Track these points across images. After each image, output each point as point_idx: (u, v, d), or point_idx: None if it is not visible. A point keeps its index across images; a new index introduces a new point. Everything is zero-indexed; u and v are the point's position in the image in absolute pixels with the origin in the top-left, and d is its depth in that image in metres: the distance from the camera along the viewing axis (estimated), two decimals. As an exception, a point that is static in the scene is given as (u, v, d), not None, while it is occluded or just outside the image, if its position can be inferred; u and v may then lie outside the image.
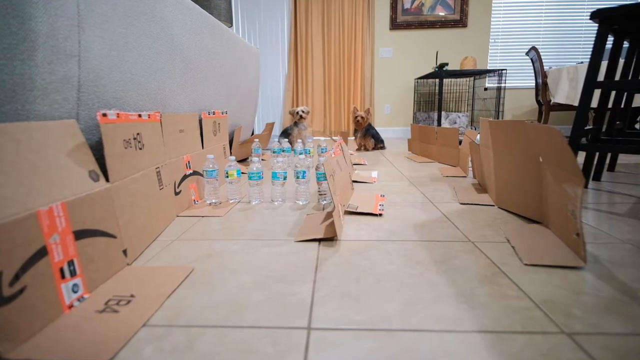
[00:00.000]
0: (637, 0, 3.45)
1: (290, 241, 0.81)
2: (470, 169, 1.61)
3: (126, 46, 0.85)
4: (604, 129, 1.42)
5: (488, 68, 3.49)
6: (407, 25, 3.55)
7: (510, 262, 0.68)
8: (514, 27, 3.58)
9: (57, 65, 0.65)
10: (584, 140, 1.32)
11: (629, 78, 1.39)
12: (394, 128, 3.80)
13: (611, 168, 1.64)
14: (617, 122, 1.49)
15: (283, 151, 1.87)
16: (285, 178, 1.13)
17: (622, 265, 0.66)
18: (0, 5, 0.58)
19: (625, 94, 1.50)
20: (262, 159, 2.10)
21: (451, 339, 0.46)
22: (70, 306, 0.52)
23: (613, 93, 1.44)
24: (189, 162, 1.11)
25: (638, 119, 2.79)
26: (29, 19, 0.60)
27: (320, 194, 1.12)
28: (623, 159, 1.99)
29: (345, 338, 0.47)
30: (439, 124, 2.97)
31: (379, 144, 2.62)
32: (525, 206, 0.94)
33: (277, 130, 3.89)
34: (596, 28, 1.16)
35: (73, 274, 0.54)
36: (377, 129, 3.83)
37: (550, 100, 2.90)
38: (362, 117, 2.53)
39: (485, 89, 3.43)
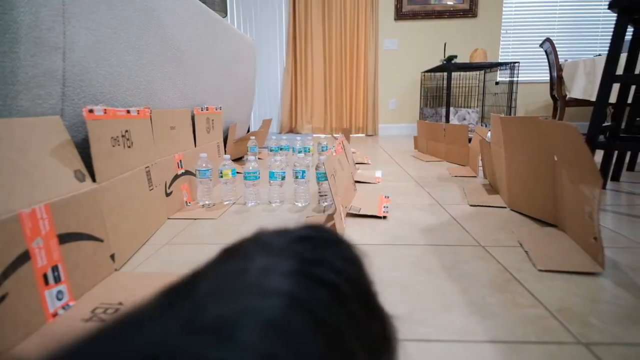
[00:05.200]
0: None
1: (288, 245, 0.81)
2: (481, 168, 1.61)
3: (114, 38, 0.85)
4: (623, 126, 1.42)
5: (499, 61, 3.49)
6: (414, 15, 3.55)
7: (523, 268, 0.68)
8: (527, 17, 3.58)
9: (40, 58, 0.65)
10: (601, 137, 1.31)
11: (650, 71, 1.39)
12: (399, 125, 3.80)
13: (631, 167, 1.64)
14: (638, 119, 1.49)
15: (281, 149, 1.88)
16: (283, 178, 1.13)
17: (642, 272, 0.66)
18: (-20, -6, 0.58)
19: (646, 88, 1.50)
20: (259, 158, 2.10)
21: (461, 350, 0.46)
22: (55, 314, 0.52)
23: (633, 87, 1.44)
24: (180, 161, 1.11)
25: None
26: (10, 9, 0.60)
27: (320, 195, 1.12)
28: (643, 157, 1.99)
29: (348, 349, 0.46)
30: (447, 120, 2.97)
31: None
32: (540, 208, 0.94)
33: (274, 128, 3.90)
34: (615, 18, 1.16)
35: (57, 280, 0.54)
36: (381, 125, 3.85)
37: (566, 95, 2.90)
38: None
39: (497, 83, 3.43)
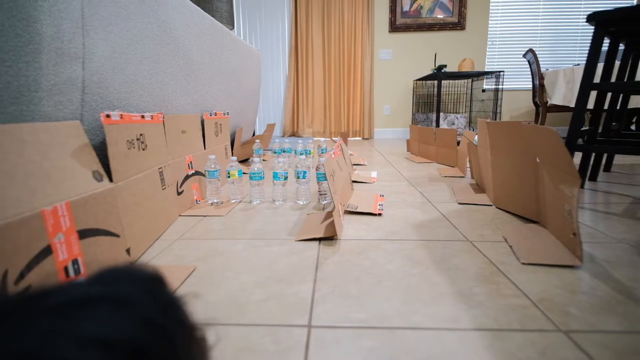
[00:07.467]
0: (633, 2, 3.45)
1: (291, 241, 0.81)
2: (469, 169, 1.61)
3: (129, 48, 0.85)
4: (600, 130, 1.42)
5: (486, 70, 3.49)
6: (406, 28, 3.55)
7: (508, 261, 0.68)
8: (511, 30, 3.58)
9: (61, 67, 0.64)
10: (580, 141, 1.31)
11: (625, 80, 1.39)
12: (393, 129, 3.79)
13: (607, 168, 1.64)
14: (613, 123, 1.49)
15: (284, 151, 1.88)
16: (286, 178, 1.13)
17: (618, 265, 0.66)
18: (6, 7, 0.58)
19: (621, 95, 1.50)
20: (263, 160, 2.10)
21: (450, 337, 0.46)
22: (75, 304, 0.52)
23: (609, 95, 1.44)
24: (191, 162, 1.11)
25: (634, 120, 2.78)
26: (34, 22, 0.59)
27: (320, 194, 1.12)
28: (619, 159, 1.99)
29: (346, 336, 0.47)
30: (438, 125, 2.97)
31: None
32: (523, 206, 0.94)
33: (277, 131, 3.90)
34: (592, 31, 1.16)
35: (77, 272, 0.54)
36: (376, 129, 3.85)
37: (547, 102, 2.90)
38: None
39: (483, 90, 3.43)
